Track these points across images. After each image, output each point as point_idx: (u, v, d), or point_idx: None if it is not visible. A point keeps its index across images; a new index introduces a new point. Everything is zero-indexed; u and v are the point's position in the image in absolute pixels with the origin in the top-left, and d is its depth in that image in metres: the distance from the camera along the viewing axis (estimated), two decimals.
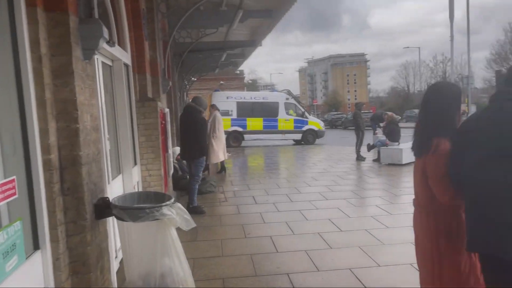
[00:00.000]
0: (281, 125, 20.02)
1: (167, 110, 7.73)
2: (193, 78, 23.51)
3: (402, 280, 3.69)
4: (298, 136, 20.30)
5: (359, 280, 3.72)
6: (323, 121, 29.59)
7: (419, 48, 68.92)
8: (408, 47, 57.74)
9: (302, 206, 6.72)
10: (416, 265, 2.63)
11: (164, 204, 2.74)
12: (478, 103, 34.39)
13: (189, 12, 7.79)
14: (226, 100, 19.44)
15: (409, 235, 2.76)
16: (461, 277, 2.24)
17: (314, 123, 20.75)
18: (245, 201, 7.23)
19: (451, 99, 2.32)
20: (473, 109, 26.38)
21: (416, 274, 2.61)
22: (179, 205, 2.85)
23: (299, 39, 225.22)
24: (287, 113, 20.18)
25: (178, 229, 2.81)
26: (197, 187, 6.64)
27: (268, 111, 19.96)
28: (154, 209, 2.67)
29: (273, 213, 6.36)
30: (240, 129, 19.57)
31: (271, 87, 71.01)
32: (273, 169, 11.54)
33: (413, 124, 2.53)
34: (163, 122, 6.56)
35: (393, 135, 12.32)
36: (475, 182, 1.98)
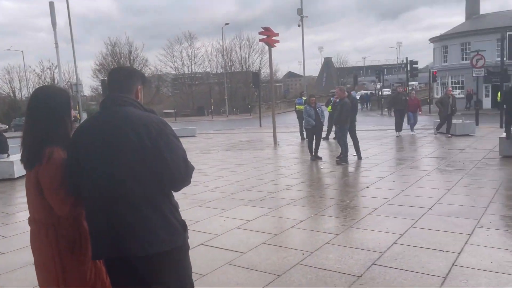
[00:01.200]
0: None
1: None
2: None
3: None
4: None
5: None
6: None
7: (22, 51, 64.87)
8: (10, 49, 53.05)
9: None
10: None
11: None
12: (89, 110, 36.31)
13: None
14: None
15: (29, 256, 2.43)
16: (88, 286, 2.20)
17: None
18: None
19: (61, 104, 2.20)
20: (85, 116, 27.58)
21: None
22: None
23: None
24: None
25: None
26: None
27: None
28: None
29: None
30: None
31: None
32: None
33: None
34: None
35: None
36: (91, 189, 1.96)
